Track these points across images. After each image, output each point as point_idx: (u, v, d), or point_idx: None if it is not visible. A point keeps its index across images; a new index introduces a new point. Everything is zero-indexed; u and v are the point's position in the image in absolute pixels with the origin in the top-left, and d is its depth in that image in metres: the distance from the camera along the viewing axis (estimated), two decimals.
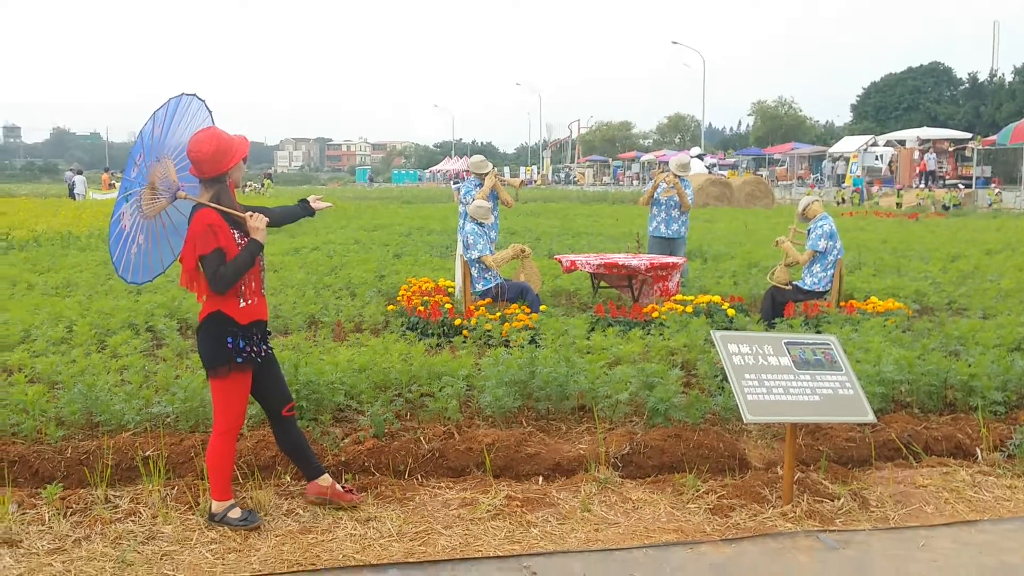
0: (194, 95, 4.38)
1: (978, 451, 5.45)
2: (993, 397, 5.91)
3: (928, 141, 45.32)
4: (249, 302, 4.31)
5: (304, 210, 4.70)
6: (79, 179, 38.46)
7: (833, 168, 48.58)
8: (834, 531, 4.41)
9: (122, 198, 4.28)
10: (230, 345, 4.24)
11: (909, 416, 5.87)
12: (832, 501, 4.68)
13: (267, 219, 4.33)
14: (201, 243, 4.14)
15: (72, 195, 37.11)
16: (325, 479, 4.62)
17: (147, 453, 5.01)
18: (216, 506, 4.34)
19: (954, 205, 33.31)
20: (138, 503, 4.59)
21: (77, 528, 4.31)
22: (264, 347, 4.44)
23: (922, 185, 37.78)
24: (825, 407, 4.72)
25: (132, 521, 4.38)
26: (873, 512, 4.62)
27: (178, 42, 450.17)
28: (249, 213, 4.27)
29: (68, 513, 4.45)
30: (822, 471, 5.05)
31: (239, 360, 4.26)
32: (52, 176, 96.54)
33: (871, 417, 4.76)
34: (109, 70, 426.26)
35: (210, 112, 4.49)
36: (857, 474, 5.11)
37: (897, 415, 5.86)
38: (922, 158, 41.53)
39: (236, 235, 4.23)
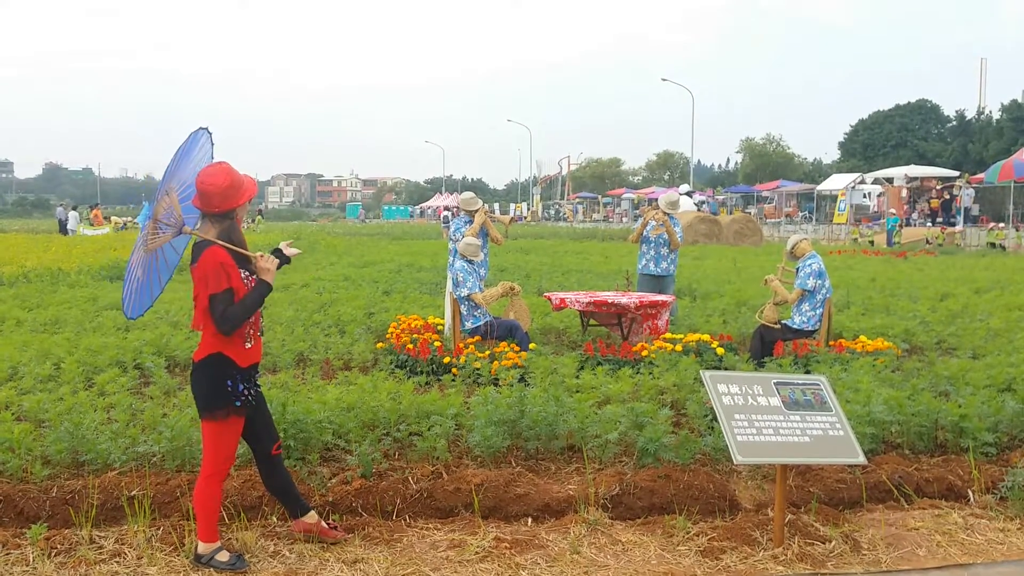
0: (205, 128, 4.34)
1: (970, 493, 5.43)
2: (984, 438, 5.89)
3: (916, 179, 45.52)
4: (251, 344, 4.27)
5: (280, 258, 4.50)
6: (71, 215, 38.50)
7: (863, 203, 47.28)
8: (826, 574, 4.38)
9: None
10: (230, 388, 4.18)
11: (900, 457, 5.86)
12: (823, 543, 4.65)
13: (277, 260, 4.31)
14: (214, 282, 4.06)
15: (63, 231, 37.09)
16: (311, 516, 4.59)
17: (132, 493, 4.96)
18: (203, 547, 4.29)
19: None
20: (123, 544, 4.54)
21: (61, 569, 4.26)
22: (257, 388, 4.41)
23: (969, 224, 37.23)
24: (815, 448, 4.71)
25: (117, 562, 4.33)
26: (865, 555, 4.59)
27: (171, 75, 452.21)
28: (259, 254, 4.24)
29: (52, 554, 4.39)
30: (813, 513, 5.03)
31: (237, 404, 4.20)
32: (43, 211, 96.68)
33: (862, 458, 4.75)
34: (101, 101, 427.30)
35: (212, 145, 4.42)
36: (848, 516, 5.09)
37: (888, 456, 5.84)
38: (958, 194, 41.26)
39: (243, 274, 4.17)
